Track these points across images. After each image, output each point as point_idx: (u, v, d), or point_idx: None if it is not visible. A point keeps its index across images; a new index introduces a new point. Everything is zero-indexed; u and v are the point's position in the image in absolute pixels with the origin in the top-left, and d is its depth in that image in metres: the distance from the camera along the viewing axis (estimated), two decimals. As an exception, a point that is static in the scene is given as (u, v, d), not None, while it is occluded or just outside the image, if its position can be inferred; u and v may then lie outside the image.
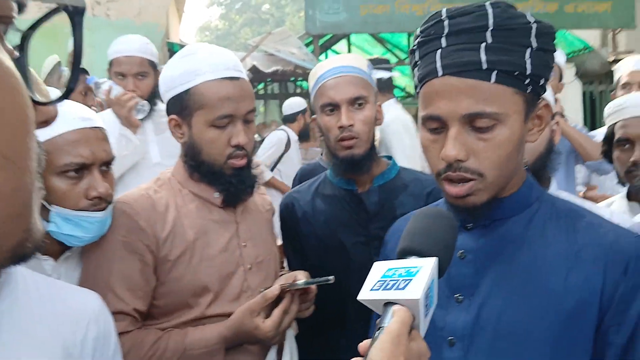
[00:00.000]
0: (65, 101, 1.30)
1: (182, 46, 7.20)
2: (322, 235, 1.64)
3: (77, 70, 0.39)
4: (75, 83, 0.39)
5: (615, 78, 3.04)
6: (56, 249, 1.29)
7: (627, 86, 2.88)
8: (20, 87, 0.36)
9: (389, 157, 1.73)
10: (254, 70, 6.17)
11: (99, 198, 1.25)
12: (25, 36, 0.40)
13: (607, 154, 1.91)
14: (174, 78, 1.37)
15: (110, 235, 1.30)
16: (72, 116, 1.25)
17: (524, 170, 1.00)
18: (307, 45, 7.61)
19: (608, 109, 1.91)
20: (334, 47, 9.55)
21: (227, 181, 1.38)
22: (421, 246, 0.78)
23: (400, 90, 10.83)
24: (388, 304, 0.72)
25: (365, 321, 1.15)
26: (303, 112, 4.98)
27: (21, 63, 0.38)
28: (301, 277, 1.37)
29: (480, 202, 0.91)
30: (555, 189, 1.48)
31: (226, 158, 1.36)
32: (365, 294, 0.75)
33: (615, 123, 1.86)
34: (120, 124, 2.32)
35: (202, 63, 1.34)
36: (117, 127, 2.34)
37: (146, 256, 1.31)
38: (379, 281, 0.75)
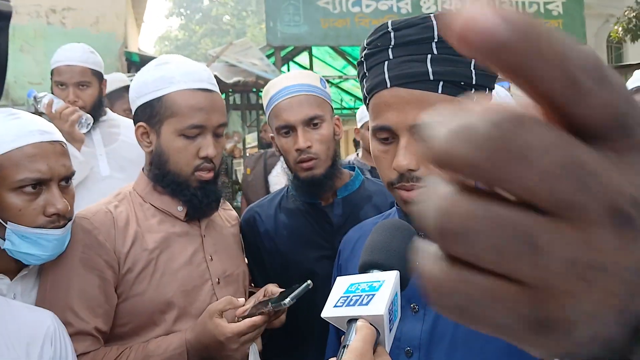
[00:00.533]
0: (23, 113, 1.26)
1: (140, 56, 7.07)
2: (286, 250, 1.61)
3: (3, 77, 0.36)
4: (1, 92, 0.36)
5: None
6: (12, 267, 1.24)
7: None
8: None
9: (352, 168, 1.71)
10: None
11: (57, 215, 1.20)
12: None
13: None
14: (146, 84, 1.34)
15: (68, 251, 1.26)
16: (29, 129, 1.20)
17: None
18: (268, 56, 7.60)
19: None
20: (296, 59, 9.57)
21: (191, 194, 1.34)
22: (382, 259, 0.77)
23: (363, 102, 10.92)
24: (352, 320, 0.71)
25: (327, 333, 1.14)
26: None
27: None
28: (275, 290, 1.34)
29: None
30: None
31: (193, 169, 1.33)
32: (328, 311, 0.74)
33: None
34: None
35: (176, 72, 1.33)
36: None
37: (106, 272, 1.26)
38: (341, 297, 0.74)
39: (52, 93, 2.31)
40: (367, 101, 0.96)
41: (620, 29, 9.46)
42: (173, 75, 1.32)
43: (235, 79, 6.22)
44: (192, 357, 1.24)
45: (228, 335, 1.19)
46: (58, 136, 1.27)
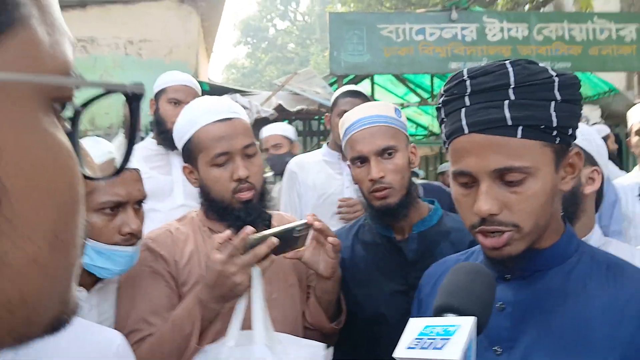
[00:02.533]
0: (104, 141, 1.38)
1: (210, 85, 7.37)
2: (361, 282, 1.61)
3: (131, 150, 0.41)
4: (127, 163, 0.41)
5: (629, 124, 3.01)
6: (88, 280, 1.35)
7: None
8: (76, 167, 0.38)
9: (432, 202, 1.70)
10: (279, 108, 6.27)
11: (130, 234, 1.32)
12: (78, 111, 0.42)
13: None
14: (180, 130, 1.51)
15: (137, 268, 1.38)
16: (108, 157, 1.32)
17: (563, 221, 1.00)
18: (331, 84, 7.73)
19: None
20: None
21: (235, 216, 1.42)
22: (459, 303, 0.78)
23: (424, 129, 10.85)
24: None
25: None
26: None
27: (73, 137, 0.39)
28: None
29: (517, 252, 0.92)
30: (598, 235, 1.44)
31: (232, 193, 1.42)
32: (401, 352, 0.75)
33: None
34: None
35: (198, 112, 1.47)
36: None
37: (170, 282, 1.40)
38: (416, 339, 0.74)
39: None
40: (447, 145, 0.98)
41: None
42: (196, 115, 1.47)
43: (298, 107, 6.36)
44: (206, 307, 1.28)
45: (222, 259, 1.24)
46: (133, 164, 1.40)
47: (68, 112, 0.40)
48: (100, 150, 1.36)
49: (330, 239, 1.37)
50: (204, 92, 7.78)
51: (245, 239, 1.26)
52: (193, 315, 1.28)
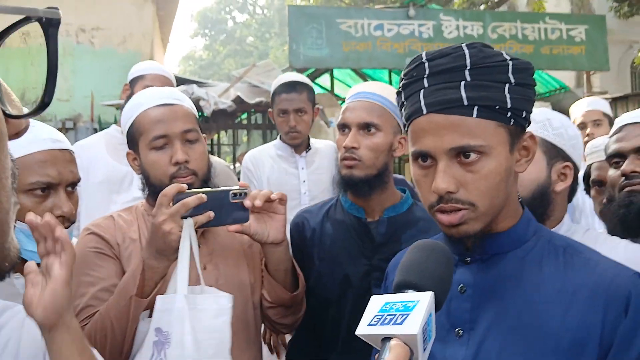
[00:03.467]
0: (37, 123, 1.33)
1: (165, 75, 7.21)
2: (327, 259, 1.65)
3: (53, 83, 0.38)
4: (51, 97, 0.38)
5: (571, 119, 3.13)
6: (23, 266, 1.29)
7: (582, 126, 3.02)
8: None
9: (404, 190, 1.74)
10: (237, 100, 6.20)
11: (62, 217, 1.27)
12: None
13: (587, 191, 1.94)
14: (124, 116, 1.51)
15: (82, 250, 1.36)
16: (42, 137, 1.29)
17: (520, 206, 1.02)
18: (290, 78, 7.69)
19: (587, 148, 1.94)
20: (317, 81, 9.66)
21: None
22: (417, 279, 0.79)
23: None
24: (386, 339, 0.72)
25: (359, 348, 1.14)
26: None
27: None
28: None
29: (474, 231, 0.94)
30: (567, 224, 1.45)
31: (170, 178, 1.40)
32: (363, 329, 0.76)
33: (592, 163, 1.89)
34: None
35: (142, 97, 1.48)
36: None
37: (116, 261, 1.40)
38: (376, 315, 0.76)
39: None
40: (406, 128, 1.00)
41: (644, 56, 9.38)
42: (139, 101, 1.48)
43: (257, 99, 6.30)
44: (148, 266, 1.28)
45: (154, 212, 1.27)
46: (67, 145, 1.36)
47: None
48: (48, 134, 1.31)
49: (273, 195, 1.35)
50: (160, 83, 7.58)
51: (172, 192, 1.27)
52: (135, 276, 1.27)
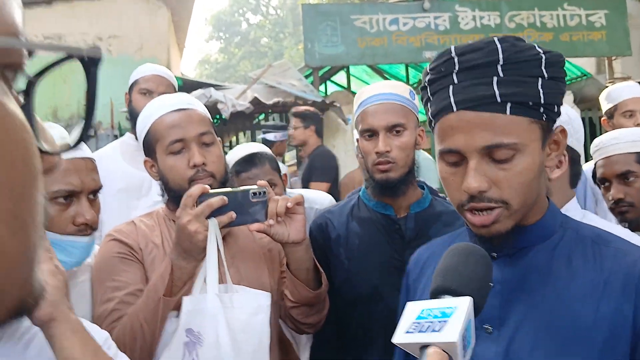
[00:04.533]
0: (56, 126, 1.33)
1: (183, 79, 7.27)
2: (356, 257, 1.65)
3: (90, 121, 0.38)
4: (87, 133, 0.38)
5: (606, 104, 2.94)
6: None
7: (631, 114, 2.77)
8: (31, 140, 0.34)
9: (422, 187, 1.74)
10: (255, 102, 6.20)
11: (85, 225, 1.29)
12: (32, 82, 0.38)
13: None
14: (139, 125, 1.52)
15: (106, 257, 1.40)
16: None
17: (546, 198, 1.00)
18: (306, 76, 7.69)
19: (593, 145, 1.89)
20: (333, 78, 9.65)
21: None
22: (455, 285, 0.78)
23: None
24: (424, 347, 0.71)
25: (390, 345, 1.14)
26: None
27: (27, 110, 0.36)
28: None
29: (505, 229, 0.91)
30: (576, 209, 1.43)
31: (189, 181, 1.42)
32: (400, 337, 0.74)
33: (597, 161, 1.86)
34: None
35: (155, 106, 1.50)
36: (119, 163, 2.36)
37: (140, 265, 1.40)
38: (414, 323, 0.74)
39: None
40: (432, 125, 0.97)
41: (667, 38, 9.14)
42: (153, 109, 1.50)
43: (274, 99, 6.30)
44: (176, 266, 1.28)
45: (179, 213, 1.28)
46: (88, 153, 1.37)
47: (21, 84, 0.36)
48: (56, 134, 1.32)
49: (289, 204, 1.35)
50: (178, 88, 7.67)
51: (197, 193, 1.28)
52: (165, 277, 1.28)
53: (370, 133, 1.62)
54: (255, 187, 1.34)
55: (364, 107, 1.65)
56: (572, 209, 1.40)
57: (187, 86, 7.12)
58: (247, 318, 1.28)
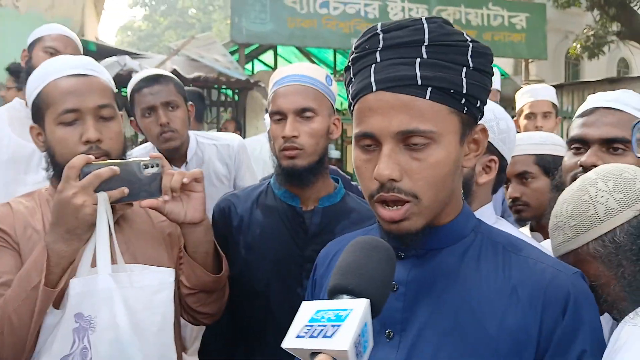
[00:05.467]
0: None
1: (98, 45, 6.80)
2: (255, 247, 1.56)
3: None
4: None
5: (517, 106, 3.05)
6: None
7: (531, 116, 2.92)
8: None
9: (337, 180, 1.67)
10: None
11: None
12: None
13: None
14: (30, 86, 1.34)
15: None
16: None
17: (461, 199, 0.96)
18: (232, 53, 7.45)
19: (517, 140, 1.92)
20: (260, 57, 9.45)
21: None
22: (353, 284, 0.72)
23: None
24: (315, 353, 0.65)
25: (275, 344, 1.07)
26: None
27: None
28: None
29: (415, 228, 0.86)
30: (490, 213, 1.42)
31: None
32: (290, 342, 0.67)
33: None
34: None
35: (51, 66, 1.33)
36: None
37: (15, 252, 1.25)
38: (306, 326, 0.68)
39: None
40: (352, 107, 0.90)
41: (578, 46, 9.72)
42: (47, 70, 1.32)
43: (196, 74, 6.05)
44: (54, 251, 1.14)
45: (60, 187, 1.14)
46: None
47: None
48: None
49: (185, 179, 1.23)
50: (90, 52, 7.18)
51: (80, 163, 1.14)
52: (39, 263, 1.13)
53: (279, 117, 1.52)
54: (146, 158, 1.21)
55: (276, 88, 1.55)
56: (487, 214, 1.38)
57: (101, 51, 6.66)
58: (149, 296, 1.18)
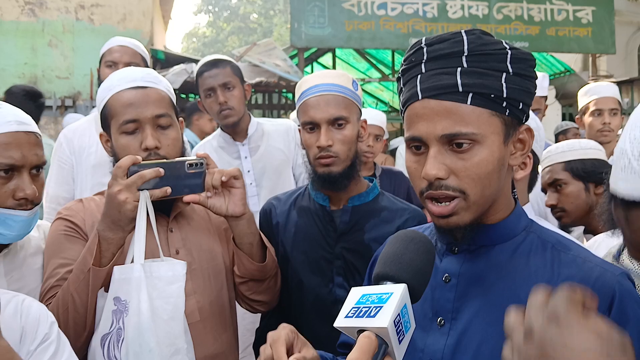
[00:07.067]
0: (4, 105, 1.33)
1: (166, 53, 7.15)
2: (290, 245, 1.66)
3: None
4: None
5: (580, 104, 3.04)
6: None
7: (599, 112, 2.90)
8: None
9: (372, 180, 1.73)
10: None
11: (25, 199, 1.29)
12: None
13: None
14: (98, 98, 1.48)
15: (53, 234, 1.41)
16: (7, 119, 1.30)
17: (514, 199, 1.02)
18: (292, 57, 7.61)
19: (543, 154, 1.98)
20: (319, 60, 9.57)
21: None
22: (393, 271, 0.80)
23: (384, 105, 10.88)
24: (361, 331, 0.73)
25: (312, 337, 1.14)
26: None
27: None
28: None
29: (464, 222, 0.93)
30: (530, 213, 1.47)
31: None
32: (340, 321, 0.77)
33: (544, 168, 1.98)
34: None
35: (114, 79, 1.45)
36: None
37: (84, 242, 1.38)
38: (353, 307, 0.77)
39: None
40: (403, 114, 1.00)
41: (652, 38, 9.20)
42: (112, 83, 1.44)
43: (257, 79, 6.24)
44: (104, 238, 1.28)
45: (110, 183, 1.27)
46: (33, 128, 1.36)
47: None
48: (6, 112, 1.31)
49: (223, 177, 1.34)
50: (159, 60, 7.50)
51: (127, 163, 1.27)
52: (92, 248, 1.28)
53: (311, 126, 1.58)
54: (191, 158, 1.33)
55: (305, 98, 1.60)
56: (527, 210, 1.44)
57: (169, 59, 7.00)
58: (164, 286, 1.28)
